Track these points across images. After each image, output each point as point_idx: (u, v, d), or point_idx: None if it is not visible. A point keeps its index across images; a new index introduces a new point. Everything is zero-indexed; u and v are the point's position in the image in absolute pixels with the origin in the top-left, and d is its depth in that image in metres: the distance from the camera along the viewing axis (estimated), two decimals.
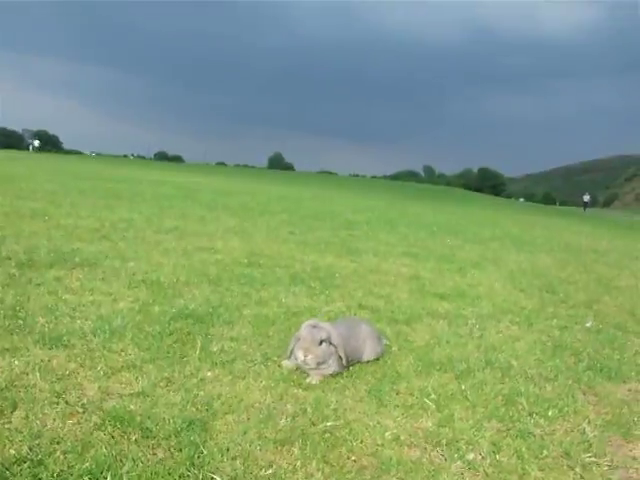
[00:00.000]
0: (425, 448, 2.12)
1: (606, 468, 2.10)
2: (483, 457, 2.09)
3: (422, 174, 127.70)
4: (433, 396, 2.59)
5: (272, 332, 3.36)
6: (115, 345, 2.83)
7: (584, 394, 2.85)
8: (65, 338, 2.83)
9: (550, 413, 2.52)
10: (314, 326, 2.73)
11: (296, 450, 2.00)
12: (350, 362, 2.86)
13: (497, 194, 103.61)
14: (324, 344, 2.68)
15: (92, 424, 2.01)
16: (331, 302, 4.36)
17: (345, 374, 2.80)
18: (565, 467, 2.08)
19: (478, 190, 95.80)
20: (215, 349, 2.95)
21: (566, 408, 2.60)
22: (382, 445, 2.10)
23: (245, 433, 2.08)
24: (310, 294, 4.54)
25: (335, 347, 2.72)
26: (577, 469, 2.06)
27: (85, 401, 2.19)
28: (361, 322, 3.09)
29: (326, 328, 2.73)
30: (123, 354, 2.74)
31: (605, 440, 2.33)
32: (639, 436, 2.40)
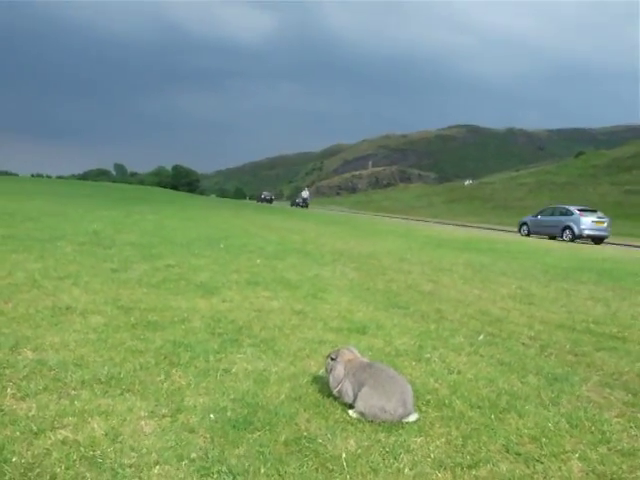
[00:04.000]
0: (523, 458, 2.65)
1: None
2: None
3: (113, 172, 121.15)
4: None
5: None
6: None
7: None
8: None
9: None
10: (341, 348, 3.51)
11: None
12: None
13: (192, 191, 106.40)
14: (329, 359, 3.43)
15: None
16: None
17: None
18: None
19: (174, 187, 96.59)
20: None
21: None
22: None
23: None
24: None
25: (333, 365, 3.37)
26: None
27: None
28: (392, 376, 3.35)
29: (340, 351, 3.42)
30: None
31: None
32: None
